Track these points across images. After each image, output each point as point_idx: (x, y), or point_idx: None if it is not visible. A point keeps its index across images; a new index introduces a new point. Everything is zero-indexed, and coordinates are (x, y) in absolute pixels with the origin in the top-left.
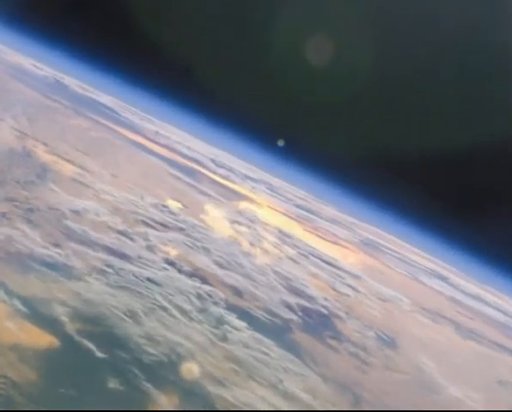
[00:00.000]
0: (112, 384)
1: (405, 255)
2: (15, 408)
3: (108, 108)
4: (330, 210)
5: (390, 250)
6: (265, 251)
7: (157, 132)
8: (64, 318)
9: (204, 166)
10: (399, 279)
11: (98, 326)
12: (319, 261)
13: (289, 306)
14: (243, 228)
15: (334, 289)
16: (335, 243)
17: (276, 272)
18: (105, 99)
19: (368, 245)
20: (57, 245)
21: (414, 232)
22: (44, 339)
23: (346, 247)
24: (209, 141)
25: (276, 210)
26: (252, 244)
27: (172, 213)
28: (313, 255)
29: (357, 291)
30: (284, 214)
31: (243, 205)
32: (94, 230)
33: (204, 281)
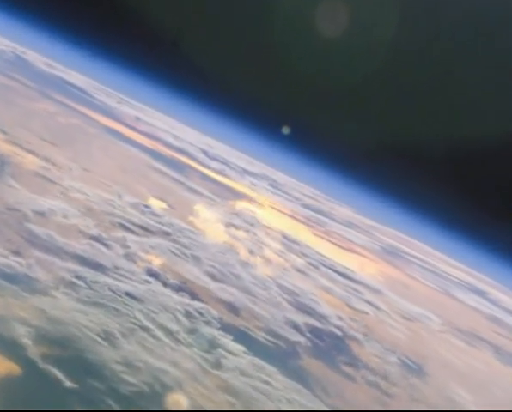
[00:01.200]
0: None
1: (435, 264)
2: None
3: (79, 89)
4: (344, 211)
5: (416, 258)
6: (267, 261)
7: (138, 118)
8: (26, 341)
9: (193, 159)
10: (427, 293)
11: (67, 350)
12: (331, 272)
13: (295, 327)
14: (241, 233)
15: (350, 306)
16: (351, 250)
17: (280, 285)
18: (75, 78)
19: (390, 253)
20: (17, 253)
21: (445, 237)
22: (1, 365)
23: (364, 255)
24: (200, 128)
25: (280, 211)
26: (251, 251)
27: (155, 214)
28: (324, 265)
29: (377, 308)
30: (290, 215)
31: (241, 205)
32: (61, 235)
33: (194, 296)
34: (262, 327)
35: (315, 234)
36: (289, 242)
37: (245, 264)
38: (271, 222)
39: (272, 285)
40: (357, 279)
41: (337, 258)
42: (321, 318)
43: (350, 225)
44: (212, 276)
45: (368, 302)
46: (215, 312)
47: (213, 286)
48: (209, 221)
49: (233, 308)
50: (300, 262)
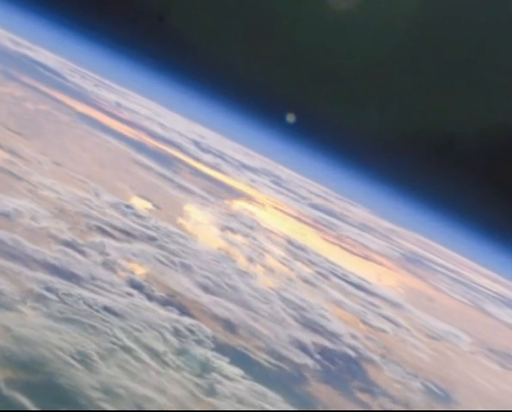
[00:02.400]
0: None
1: (464, 274)
2: None
3: (50, 70)
4: (359, 212)
5: (442, 267)
6: (269, 270)
7: (119, 103)
8: None
9: (183, 151)
10: (455, 308)
11: (35, 374)
12: (344, 283)
13: (302, 347)
14: (238, 237)
15: (365, 323)
16: (366, 258)
17: (284, 299)
18: (46, 57)
19: (411, 261)
20: None
21: (476, 242)
22: None
23: (382, 264)
24: (190, 115)
25: (284, 212)
26: (250, 259)
27: (138, 216)
28: (335, 275)
29: (397, 325)
30: (296, 217)
31: (238, 205)
32: (29, 240)
33: (184, 311)
34: (263, 347)
35: (325, 239)
36: (294, 248)
37: (243, 274)
38: (273, 225)
39: (275, 298)
40: (374, 291)
41: (350, 267)
42: (332, 336)
43: (365, 228)
44: (205, 288)
45: (387, 318)
46: (208, 330)
47: (206, 299)
48: (201, 223)
49: (229, 325)
50: (307, 271)
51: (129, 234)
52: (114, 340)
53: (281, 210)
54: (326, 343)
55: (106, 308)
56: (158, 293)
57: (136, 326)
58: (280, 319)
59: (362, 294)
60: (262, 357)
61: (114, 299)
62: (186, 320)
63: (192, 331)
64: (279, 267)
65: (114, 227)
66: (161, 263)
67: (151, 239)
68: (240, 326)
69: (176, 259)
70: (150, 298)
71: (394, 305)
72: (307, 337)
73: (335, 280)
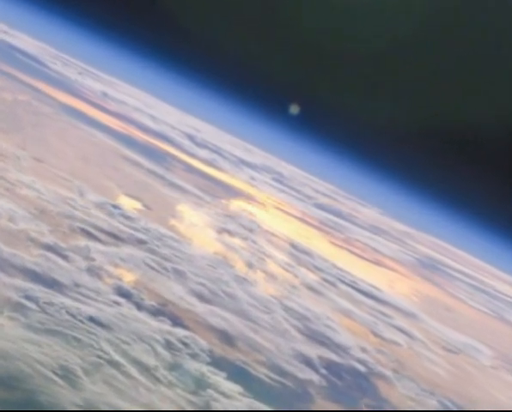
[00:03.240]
0: None
1: (485, 281)
2: None
3: (30, 57)
4: (369, 213)
5: (461, 273)
6: (271, 276)
7: (105, 93)
8: None
9: (176, 146)
10: (474, 318)
11: (13, 391)
12: (352, 291)
13: (306, 361)
14: (236, 241)
15: (376, 334)
16: (377, 263)
17: (287, 308)
18: (25, 43)
19: (427, 267)
20: None
21: (498, 246)
22: None
23: (394, 269)
24: (184, 106)
25: (287, 213)
26: (249, 264)
27: (127, 217)
28: (343, 281)
29: (411, 337)
30: (300, 218)
31: (237, 205)
32: (7, 244)
33: (177, 321)
34: (264, 361)
35: (332, 243)
36: (298, 252)
37: (242, 281)
38: (275, 227)
39: (277, 307)
40: (386, 300)
41: (359, 273)
42: (340, 349)
43: (376, 230)
44: (200, 296)
45: (400, 329)
46: (203, 343)
47: (201, 309)
48: (195, 225)
49: (226, 337)
50: (312, 278)
51: (116, 237)
52: (100, 353)
53: (283, 211)
54: (333, 357)
55: (91, 318)
56: (148, 301)
57: (124, 338)
58: (282, 330)
59: (372, 303)
60: (262, 372)
61: (100, 308)
62: (180, 332)
63: (185, 344)
64: (281, 273)
65: (100, 230)
66: (152, 268)
67: (141, 243)
68: (239, 338)
69: (168, 265)
70: (140, 307)
71: (408, 314)
72: (312, 350)
73: (343, 287)
